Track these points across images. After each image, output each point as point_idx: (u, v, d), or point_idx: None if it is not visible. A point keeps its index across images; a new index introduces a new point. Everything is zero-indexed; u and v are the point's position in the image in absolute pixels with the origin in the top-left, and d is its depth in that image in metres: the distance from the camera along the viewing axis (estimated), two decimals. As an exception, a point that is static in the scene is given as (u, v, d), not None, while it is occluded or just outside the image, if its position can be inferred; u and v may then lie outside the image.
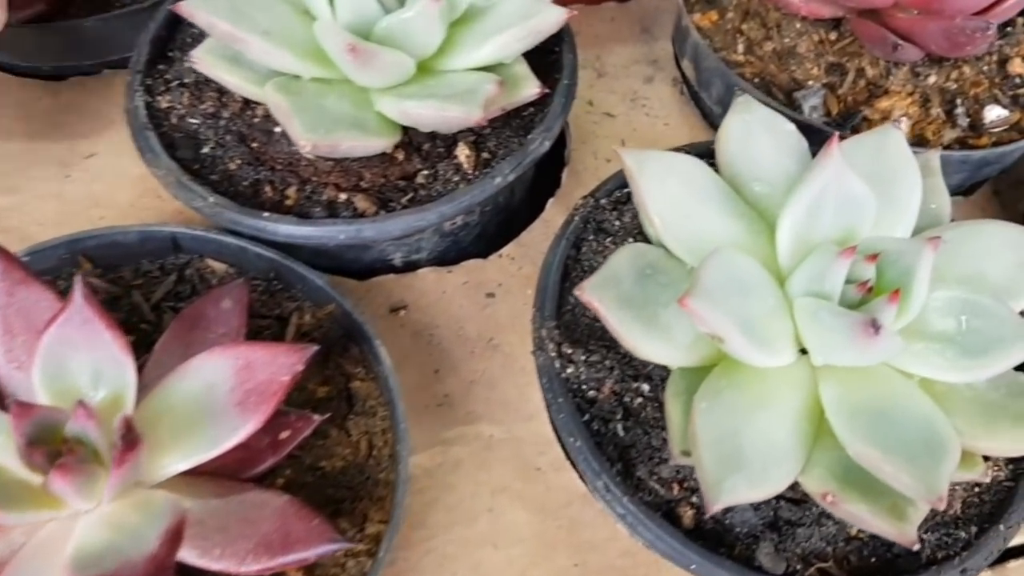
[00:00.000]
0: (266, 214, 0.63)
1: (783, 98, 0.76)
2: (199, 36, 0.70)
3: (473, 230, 0.70)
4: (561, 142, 0.80)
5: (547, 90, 0.66)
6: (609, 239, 0.63)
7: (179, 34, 0.75)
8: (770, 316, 0.53)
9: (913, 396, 0.53)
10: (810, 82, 0.77)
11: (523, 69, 0.66)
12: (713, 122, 0.81)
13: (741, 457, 0.49)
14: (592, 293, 0.53)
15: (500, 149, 0.68)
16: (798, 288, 0.54)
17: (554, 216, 0.72)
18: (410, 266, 0.70)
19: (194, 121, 0.69)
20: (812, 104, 0.75)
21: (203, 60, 0.64)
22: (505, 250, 0.71)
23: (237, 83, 0.64)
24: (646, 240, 0.61)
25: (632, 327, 0.53)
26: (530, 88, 0.66)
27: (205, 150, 0.68)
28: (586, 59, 0.84)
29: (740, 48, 0.79)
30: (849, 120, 0.75)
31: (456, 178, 0.67)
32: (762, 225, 0.58)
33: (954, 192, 0.78)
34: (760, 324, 0.52)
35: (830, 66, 0.78)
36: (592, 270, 0.61)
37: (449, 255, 0.71)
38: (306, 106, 0.61)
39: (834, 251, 0.52)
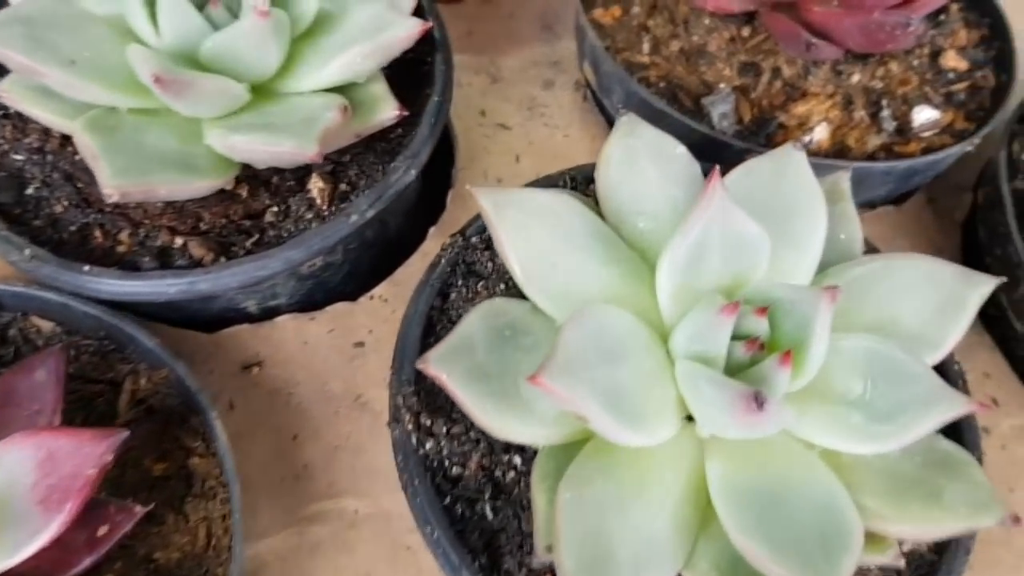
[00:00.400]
0: (87, 268, 0.55)
1: (691, 104, 0.68)
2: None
3: (340, 269, 0.62)
4: (448, 159, 0.72)
5: (406, 112, 0.58)
6: (481, 283, 0.55)
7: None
8: (647, 384, 0.45)
9: (812, 472, 0.45)
10: (721, 84, 0.69)
11: (380, 89, 0.58)
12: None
13: (610, 560, 0.42)
14: (438, 366, 0.45)
15: (361, 179, 0.60)
16: (680, 348, 0.46)
17: (435, 248, 0.64)
18: (268, 313, 0.63)
19: (18, 158, 0.61)
20: (721, 111, 0.67)
21: (10, 93, 0.56)
22: (377, 290, 0.63)
23: (48, 118, 0.56)
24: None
25: (485, 404, 0.45)
26: (386, 111, 0.57)
27: (30, 191, 0.60)
28: (479, 63, 0.76)
29: (645, 47, 0.71)
30: (763, 128, 0.67)
31: (309, 215, 0.59)
32: (644, 270, 0.50)
33: (883, 202, 0.71)
34: (633, 397, 0.44)
35: (743, 66, 0.70)
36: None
37: (315, 298, 0.63)
38: (119, 145, 0.53)
39: (717, 304, 0.45)
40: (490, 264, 0.56)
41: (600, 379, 0.43)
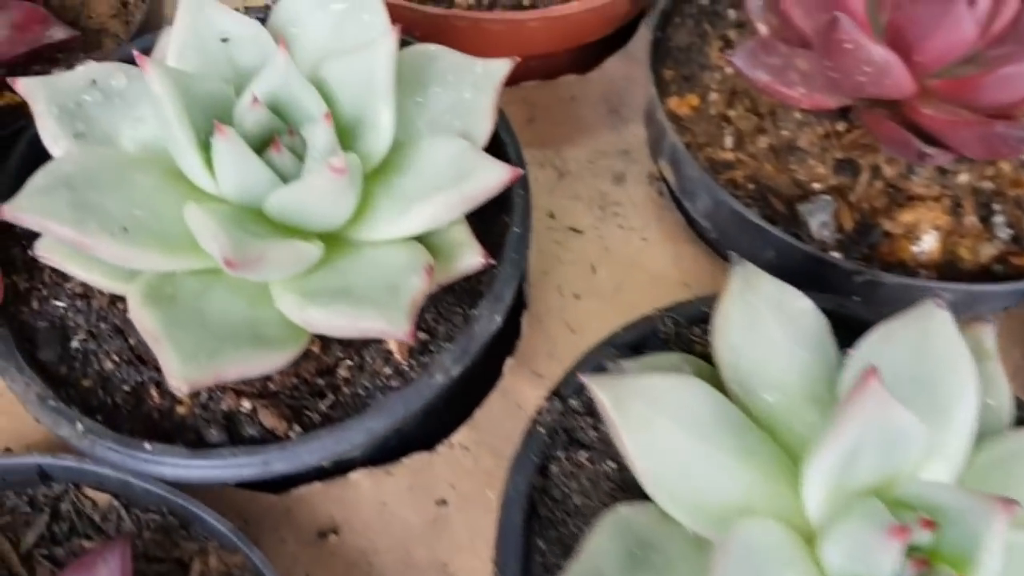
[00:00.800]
0: (148, 446, 0.50)
1: (784, 210, 0.63)
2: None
3: (416, 418, 0.57)
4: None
5: (492, 262, 0.52)
6: (585, 455, 0.50)
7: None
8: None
9: None
10: (815, 184, 0.63)
11: (461, 233, 0.52)
12: (703, 235, 0.67)
13: None
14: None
15: (440, 325, 0.54)
16: (835, 565, 0.41)
17: (515, 384, 0.59)
18: (340, 467, 0.57)
19: (59, 304, 0.55)
20: (821, 220, 0.62)
21: (50, 254, 0.50)
22: (456, 437, 0.57)
23: (97, 281, 0.50)
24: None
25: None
26: (470, 259, 0.52)
27: (74, 343, 0.54)
28: (544, 156, 0.70)
29: (728, 142, 0.66)
30: (865, 237, 0.62)
31: (387, 370, 0.53)
32: (778, 458, 0.45)
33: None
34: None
35: (839, 163, 0.64)
36: (567, 504, 0.48)
37: (389, 445, 0.58)
38: (181, 321, 0.47)
39: (882, 521, 0.40)
40: (593, 432, 0.50)
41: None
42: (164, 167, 0.51)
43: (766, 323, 0.48)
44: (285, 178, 0.50)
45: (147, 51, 0.63)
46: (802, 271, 0.60)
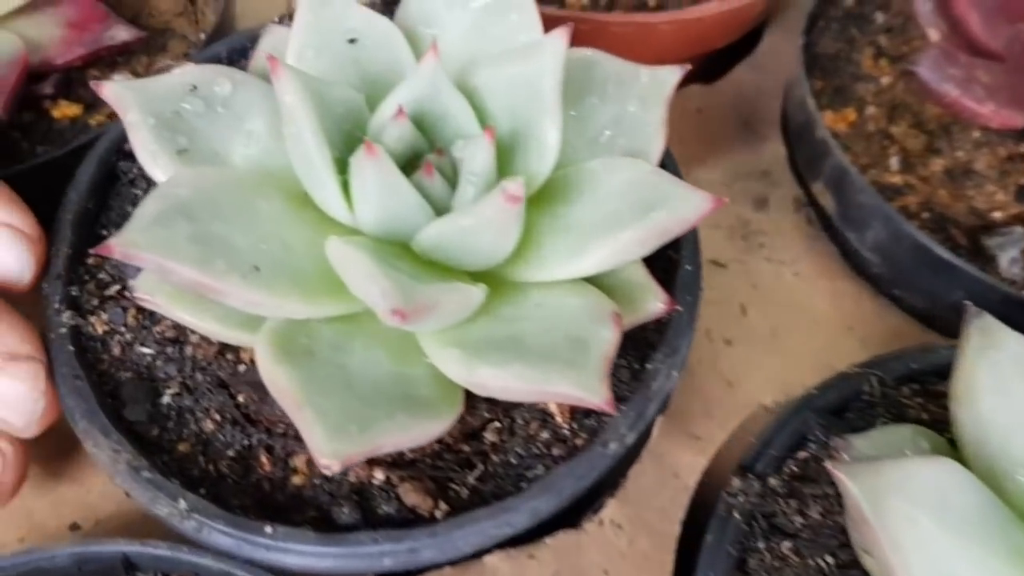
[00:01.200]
0: (269, 529, 0.41)
1: (967, 243, 0.55)
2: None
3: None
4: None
5: (677, 308, 0.44)
6: (789, 545, 0.42)
7: (115, 199, 0.52)
8: None
9: None
10: (995, 213, 0.56)
11: (639, 273, 0.44)
12: (863, 270, 0.59)
13: None
14: None
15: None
16: None
17: (668, 448, 0.51)
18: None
19: (146, 351, 0.47)
20: (1011, 256, 0.54)
21: (154, 298, 0.41)
22: (607, 513, 0.49)
23: (211, 329, 0.42)
24: (847, 546, 0.40)
25: None
26: (651, 304, 0.44)
27: (165, 399, 0.46)
28: (674, 175, 0.61)
29: (894, 164, 0.58)
30: (1063, 275, 0.54)
31: (544, 434, 0.45)
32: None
33: None
34: None
35: (1020, 190, 0.56)
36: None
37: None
38: (323, 381, 0.38)
39: None
40: (798, 518, 0.42)
41: None
42: (286, 191, 0.43)
43: (1015, 387, 0.40)
44: (436, 206, 0.41)
45: (236, 54, 0.55)
46: (994, 316, 0.52)
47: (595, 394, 0.37)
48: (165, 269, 0.37)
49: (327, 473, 0.40)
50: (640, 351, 0.46)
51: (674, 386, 0.45)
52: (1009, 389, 0.40)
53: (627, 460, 0.51)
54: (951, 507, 0.36)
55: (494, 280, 0.43)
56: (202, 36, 0.63)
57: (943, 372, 0.47)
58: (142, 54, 0.64)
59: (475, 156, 0.42)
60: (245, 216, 0.40)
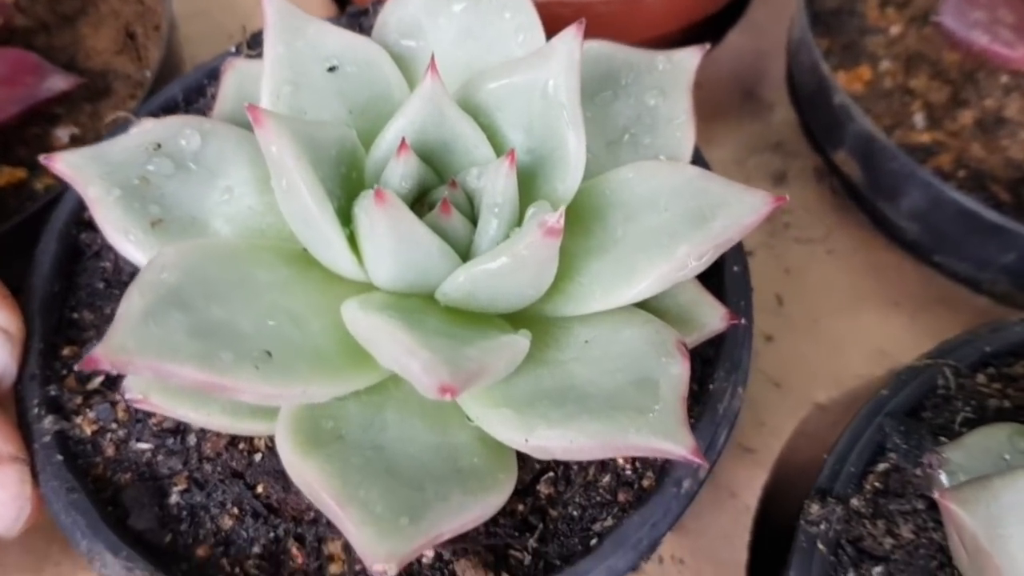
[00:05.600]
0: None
1: (1009, 197, 0.51)
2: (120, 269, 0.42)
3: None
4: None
5: (741, 321, 0.39)
6: (881, 571, 0.37)
7: (82, 275, 0.46)
8: None
9: None
10: (1034, 160, 0.52)
11: (692, 290, 0.39)
12: (900, 238, 0.55)
13: None
14: None
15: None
16: None
17: (722, 465, 0.47)
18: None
19: (144, 447, 0.41)
20: (1065, 208, 0.50)
21: (149, 399, 0.36)
22: (665, 548, 0.45)
23: (221, 424, 0.36)
24: (948, 566, 0.36)
25: None
26: (711, 321, 0.39)
27: (173, 498, 0.40)
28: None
29: (919, 121, 0.53)
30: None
31: (606, 478, 0.40)
32: None
33: None
34: None
35: (1059, 133, 0.52)
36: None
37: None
38: (363, 467, 0.33)
39: None
40: (889, 539, 0.38)
41: None
42: (283, 253, 0.37)
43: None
44: (458, 248, 0.36)
45: (192, 93, 0.49)
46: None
47: (678, 443, 0.33)
48: (164, 373, 0.31)
49: (382, 578, 0.35)
50: (698, 371, 0.42)
51: (740, 405, 0.40)
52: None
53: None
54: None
55: (530, 320, 0.38)
56: (148, 75, 0.57)
57: (1019, 351, 0.43)
58: (84, 101, 0.57)
59: (495, 184, 0.36)
60: (245, 293, 0.34)
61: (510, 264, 0.34)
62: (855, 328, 0.51)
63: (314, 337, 0.35)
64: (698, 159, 0.45)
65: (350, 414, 0.35)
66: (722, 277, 0.43)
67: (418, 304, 0.36)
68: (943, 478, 0.36)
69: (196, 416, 0.36)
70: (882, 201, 0.53)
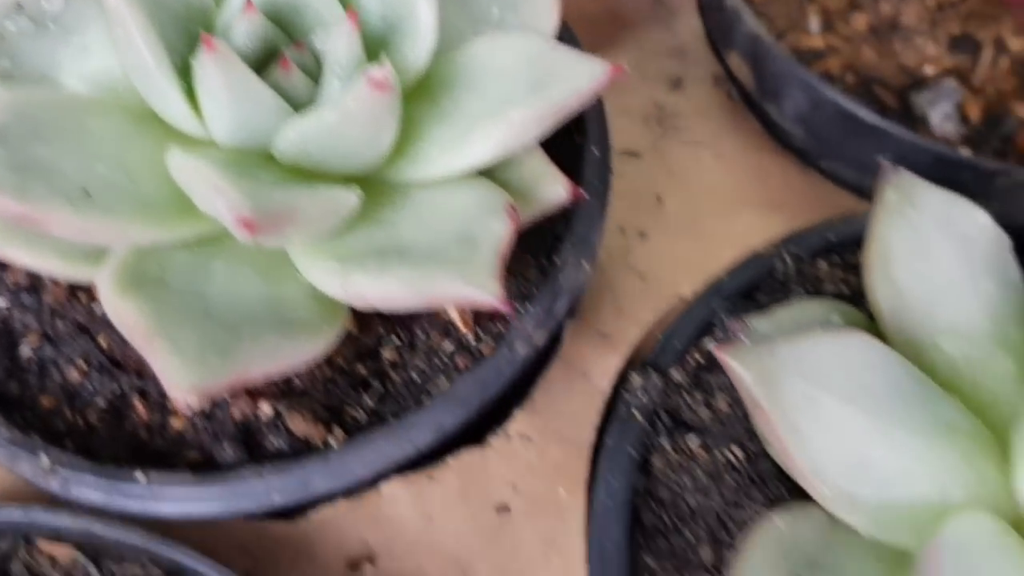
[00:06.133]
0: (140, 476, 0.38)
1: (895, 103, 0.52)
2: None
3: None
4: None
5: (582, 194, 0.40)
6: (697, 440, 0.39)
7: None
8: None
9: None
10: (926, 68, 0.52)
11: (536, 161, 0.40)
12: (789, 143, 0.55)
13: None
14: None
15: (510, 281, 0.42)
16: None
17: (578, 350, 0.47)
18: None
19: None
20: (944, 112, 0.50)
21: (-18, 235, 0.37)
22: (513, 426, 0.46)
23: (51, 267, 0.37)
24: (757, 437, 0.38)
25: None
26: (552, 192, 0.40)
27: (25, 351, 0.42)
28: (584, 61, 0.57)
29: (814, 24, 0.54)
30: (996, 128, 0.51)
31: (448, 345, 0.41)
32: (975, 428, 0.34)
33: None
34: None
35: (954, 41, 0.53)
36: (680, 507, 0.38)
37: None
38: (178, 310, 0.35)
39: None
40: (704, 410, 0.39)
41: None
42: (128, 108, 0.38)
43: (937, 249, 0.38)
44: (297, 106, 0.37)
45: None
46: (929, 178, 0.49)
47: (485, 290, 0.34)
48: (-20, 200, 0.32)
49: (186, 412, 0.37)
50: (548, 246, 0.43)
51: (585, 280, 0.42)
52: (928, 251, 0.37)
53: (536, 369, 0.47)
54: (860, 384, 0.33)
55: (374, 184, 0.39)
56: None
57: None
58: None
59: (338, 45, 0.37)
60: (73, 138, 0.35)
61: (339, 117, 0.35)
62: (732, 229, 0.52)
63: (143, 184, 0.36)
64: (570, 39, 0.46)
65: (177, 262, 0.36)
66: (582, 158, 0.44)
67: (256, 160, 0.37)
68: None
69: (28, 257, 0.36)
70: (769, 103, 0.53)
